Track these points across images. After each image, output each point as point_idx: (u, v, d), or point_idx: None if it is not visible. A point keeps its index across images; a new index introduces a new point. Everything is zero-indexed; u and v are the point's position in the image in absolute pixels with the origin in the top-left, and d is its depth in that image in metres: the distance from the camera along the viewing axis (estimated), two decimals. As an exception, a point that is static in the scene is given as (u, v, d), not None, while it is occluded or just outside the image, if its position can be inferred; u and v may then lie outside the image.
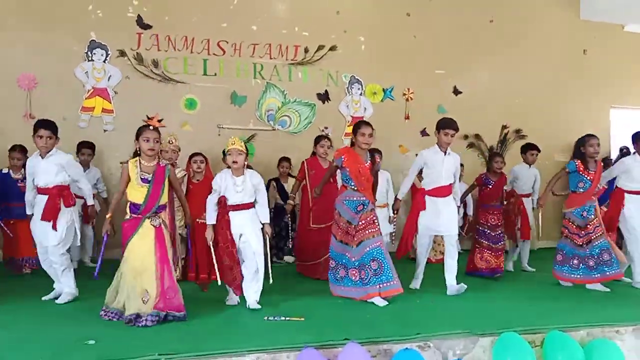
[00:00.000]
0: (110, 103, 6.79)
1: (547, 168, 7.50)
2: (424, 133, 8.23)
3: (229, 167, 4.11)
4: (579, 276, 4.91)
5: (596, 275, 4.82)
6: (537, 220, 6.12)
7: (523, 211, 6.01)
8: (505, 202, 6.04)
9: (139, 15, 6.93)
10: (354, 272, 4.20)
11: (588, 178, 4.87)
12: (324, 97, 7.78)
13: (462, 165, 6.99)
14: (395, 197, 4.99)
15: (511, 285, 5.19)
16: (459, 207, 5.92)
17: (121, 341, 3.08)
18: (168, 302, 3.52)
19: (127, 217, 3.66)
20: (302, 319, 3.60)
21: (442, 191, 4.68)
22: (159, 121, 6.99)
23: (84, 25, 6.73)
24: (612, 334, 3.50)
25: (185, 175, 5.27)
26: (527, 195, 6.11)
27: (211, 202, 4.05)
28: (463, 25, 8.43)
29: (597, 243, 4.86)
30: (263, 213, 4.14)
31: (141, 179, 3.61)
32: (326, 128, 7.71)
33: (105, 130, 6.76)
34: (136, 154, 3.73)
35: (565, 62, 9.03)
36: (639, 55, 9.46)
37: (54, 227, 4.11)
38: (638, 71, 9.41)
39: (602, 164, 5.05)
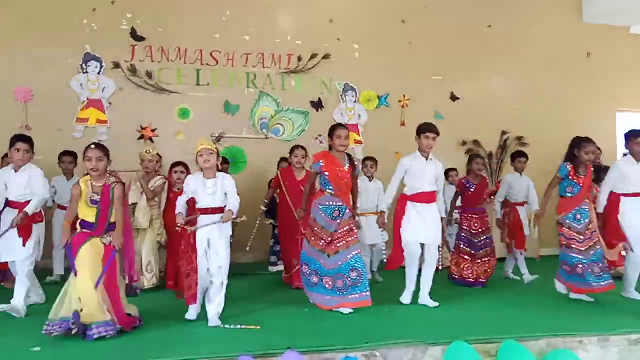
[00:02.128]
0: (105, 114, 6.96)
1: (551, 175, 7.32)
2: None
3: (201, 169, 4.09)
4: (586, 285, 4.57)
5: (603, 283, 4.55)
6: (536, 229, 5.94)
7: (517, 220, 5.83)
8: (502, 213, 5.96)
9: (132, 28, 7.10)
10: (328, 280, 4.15)
11: (578, 183, 4.66)
12: (318, 105, 7.80)
13: (456, 170, 7.03)
14: (380, 210, 4.74)
15: (487, 294, 5.07)
16: (450, 218, 5.88)
17: (66, 350, 3.12)
18: (114, 314, 3.51)
19: (78, 231, 3.64)
20: (258, 327, 3.59)
21: (425, 197, 4.48)
22: (153, 131, 7.14)
23: (79, 39, 6.92)
24: (574, 345, 3.39)
25: (165, 183, 5.34)
26: (522, 204, 5.93)
27: (181, 201, 3.97)
28: (460, 31, 8.35)
29: (598, 248, 4.63)
30: (233, 205, 3.93)
31: (91, 200, 3.62)
32: (320, 136, 7.71)
33: (100, 141, 6.85)
34: (86, 173, 3.75)
35: (568, 66, 8.84)
36: (644, 58, 9.21)
37: (24, 244, 4.15)
38: (643, 73, 9.17)
39: (592, 168, 4.85)
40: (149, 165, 5.30)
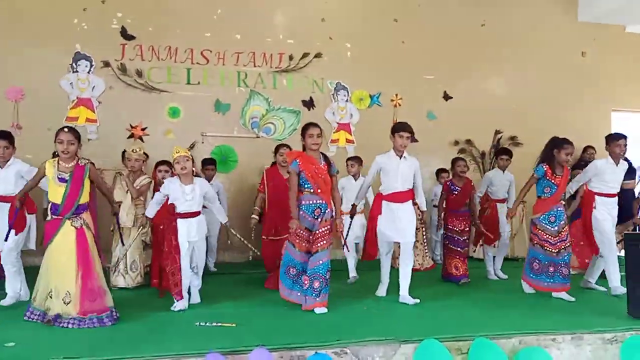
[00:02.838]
0: (94, 113, 6.97)
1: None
2: (412, 139, 8.10)
3: (175, 175, 4.22)
4: (550, 284, 4.72)
5: (568, 284, 4.69)
6: (509, 228, 5.95)
7: (494, 216, 5.83)
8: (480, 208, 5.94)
9: (122, 26, 7.12)
10: (306, 279, 4.14)
11: (554, 183, 4.73)
12: (309, 104, 7.79)
13: (447, 171, 7.01)
14: (353, 203, 4.95)
15: (464, 292, 5.07)
16: (438, 221, 5.90)
17: (39, 343, 3.14)
18: (89, 305, 3.58)
19: (49, 218, 3.75)
20: (234, 324, 3.60)
21: (399, 197, 4.57)
22: (143, 129, 7.15)
23: (69, 38, 6.94)
24: (548, 343, 3.38)
25: (151, 182, 5.36)
26: (502, 201, 5.94)
27: (157, 198, 4.28)
28: (453, 29, 8.32)
29: (569, 251, 4.77)
30: (221, 214, 4.53)
31: (58, 178, 3.68)
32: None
33: (89, 140, 6.93)
34: (55, 154, 3.83)
35: (563, 66, 8.79)
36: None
37: (17, 233, 4.23)
38: (639, 72, 9.10)
39: (568, 168, 4.88)
40: (135, 164, 5.31)
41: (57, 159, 3.80)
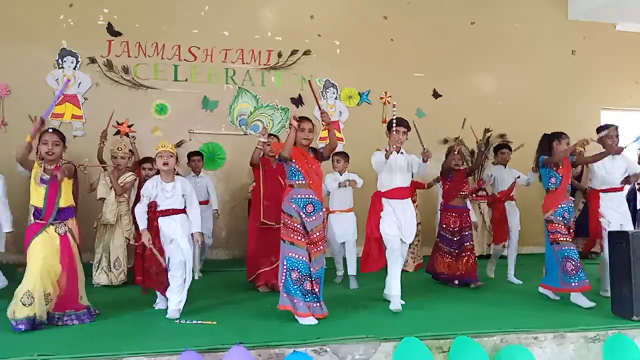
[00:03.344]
0: (80, 109, 6.92)
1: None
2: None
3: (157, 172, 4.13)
4: (587, 281, 4.30)
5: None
6: (520, 226, 5.73)
7: (502, 214, 5.62)
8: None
9: (109, 23, 7.06)
10: (317, 285, 3.82)
11: (558, 173, 4.54)
12: (298, 101, 7.75)
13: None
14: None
15: (448, 291, 5.05)
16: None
17: (14, 340, 3.10)
18: (65, 303, 3.55)
19: (31, 222, 3.66)
20: (215, 322, 3.56)
21: (399, 193, 4.31)
22: (129, 126, 7.09)
23: (55, 34, 6.89)
24: (529, 341, 3.36)
25: (136, 179, 5.31)
26: (511, 199, 5.71)
27: (140, 209, 4.00)
28: (443, 27, 8.31)
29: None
30: (195, 220, 4.06)
31: (41, 179, 3.61)
32: (300, 132, 7.67)
33: (75, 136, 6.87)
34: (41, 157, 3.74)
35: (552, 64, 8.80)
36: (631, 55, 9.17)
37: None
38: (630, 71, 9.12)
39: (571, 161, 4.67)
40: (120, 161, 5.26)
41: (42, 161, 3.70)
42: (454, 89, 8.31)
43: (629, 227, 4.71)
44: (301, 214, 3.84)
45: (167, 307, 3.97)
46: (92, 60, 6.98)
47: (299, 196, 3.89)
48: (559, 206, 4.50)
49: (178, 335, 3.25)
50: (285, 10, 7.79)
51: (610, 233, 4.08)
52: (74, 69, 6.91)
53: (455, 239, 5.36)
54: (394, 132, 4.31)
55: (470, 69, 8.38)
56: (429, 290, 5.03)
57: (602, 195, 4.80)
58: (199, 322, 3.58)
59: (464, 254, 5.30)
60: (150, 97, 7.18)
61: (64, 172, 3.64)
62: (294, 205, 3.86)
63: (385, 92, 8.09)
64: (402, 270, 6.06)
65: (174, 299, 3.87)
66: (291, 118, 3.98)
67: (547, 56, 8.75)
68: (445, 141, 8.30)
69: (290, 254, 3.77)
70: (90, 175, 5.42)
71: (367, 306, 4.24)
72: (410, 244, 5.06)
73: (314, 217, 3.88)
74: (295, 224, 3.82)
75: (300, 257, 3.76)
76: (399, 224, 4.26)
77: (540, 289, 4.68)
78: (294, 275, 3.72)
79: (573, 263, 4.28)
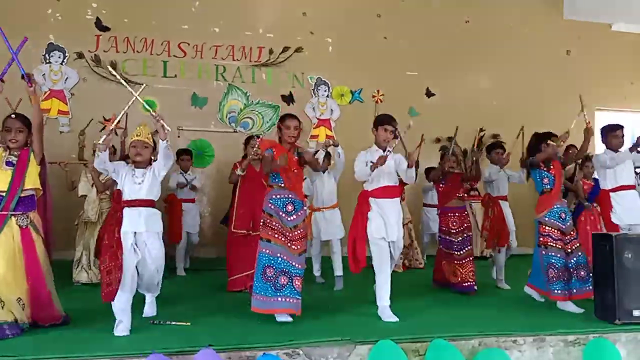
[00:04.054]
0: (67, 105, 6.85)
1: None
2: (394, 136, 8.04)
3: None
4: (574, 291, 4.18)
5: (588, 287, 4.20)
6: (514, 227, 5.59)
7: (500, 216, 5.43)
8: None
9: (97, 17, 6.99)
10: (297, 280, 3.70)
11: (550, 173, 4.43)
12: (289, 99, 7.69)
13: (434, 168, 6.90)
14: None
15: (430, 293, 4.96)
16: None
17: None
18: (42, 312, 3.38)
19: None
20: (188, 323, 3.49)
21: (386, 192, 4.09)
22: (117, 123, 6.99)
23: (43, 29, 6.81)
24: (508, 344, 3.29)
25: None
26: (505, 198, 5.59)
27: (101, 158, 3.55)
28: (437, 25, 8.25)
29: (579, 254, 4.27)
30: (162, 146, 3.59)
31: (6, 162, 3.42)
32: (290, 130, 7.60)
33: (61, 132, 6.81)
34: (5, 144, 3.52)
35: (547, 64, 8.73)
36: (627, 55, 9.12)
37: None
38: (625, 72, 9.07)
39: (560, 162, 4.58)
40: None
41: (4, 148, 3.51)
42: (448, 88, 8.26)
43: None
44: (280, 213, 3.79)
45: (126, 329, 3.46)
46: (80, 56, 6.91)
47: (278, 196, 3.84)
48: (554, 206, 4.36)
49: (148, 337, 3.17)
50: (277, 7, 7.73)
51: (594, 235, 4.01)
52: (61, 64, 6.84)
53: (457, 240, 5.08)
54: (382, 131, 4.13)
55: (464, 68, 8.31)
56: (413, 292, 4.95)
57: (613, 195, 4.68)
58: (173, 323, 3.51)
59: (467, 258, 5.02)
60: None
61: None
62: (272, 206, 3.82)
63: (378, 91, 8.03)
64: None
65: (147, 301, 3.75)
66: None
67: (542, 56, 8.68)
68: (438, 140, 8.23)
69: (266, 250, 3.71)
70: (71, 172, 5.35)
71: (347, 308, 4.17)
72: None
73: (294, 216, 3.82)
74: (274, 223, 3.77)
75: (277, 255, 3.69)
76: (386, 226, 4.04)
77: (526, 289, 4.60)
78: (269, 272, 3.66)
79: (555, 271, 4.17)
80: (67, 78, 6.84)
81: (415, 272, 6.40)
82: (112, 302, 3.36)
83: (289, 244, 3.72)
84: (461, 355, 3.06)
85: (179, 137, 7.19)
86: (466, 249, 5.08)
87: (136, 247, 3.49)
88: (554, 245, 4.24)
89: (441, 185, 5.35)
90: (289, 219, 3.79)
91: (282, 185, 3.86)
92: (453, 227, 5.13)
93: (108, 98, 6.96)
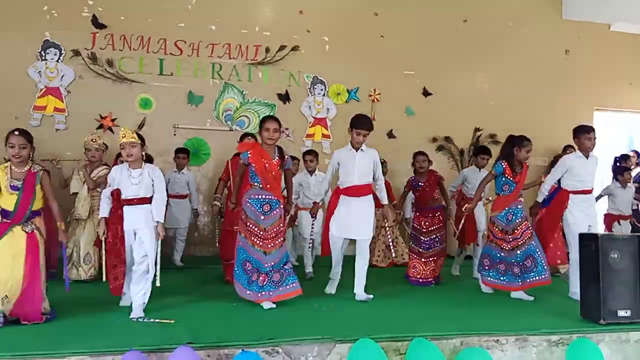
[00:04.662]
0: (63, 102, 6.87)
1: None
2: (390, 135, 8.06)
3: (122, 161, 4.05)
4: (504, 282, 4.66)
5: (519, 283, 4.56)
6: (485, 227, 5.81)
7: (471, 216, 5.58)
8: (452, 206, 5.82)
9: (94, 15, 7.00)
10: (263, 277, 4.00)
11: (513, 181, 4.64)
12: (285, 97, 7.69)
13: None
14: (314, 201, 4.81)
15: (418, 291, 4.98)
16: (399, 214, 5.80)
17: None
18: (22, 310, 3.44)
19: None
20: (172, 321, 3.50)
21: (356, 191, 4.40)
22: (113, 120, 7.05)
23: (38, 26, 6.83)
24: (491, 344, 3.29)
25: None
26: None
27: (105, 195, 3.93)
28: (434, 24, 8.22)
29: (523, 249, 4.60)
30: (158, 211, 3.89)
31: (11, 186, 3.52)
32: (287, 129, 7.61)
33: (57, 130, 6.84)
34: (8, 159, 3.63)
35: (545, 64, 8.69)
36: (626, 56, 9.06)
37: None
38: (624, 72, 9.02)
39: (527, 165, 4.77)
40: (95, 154, 5.20)
41: (9, 164, 3.61)
42: (445, 87, 8.23)
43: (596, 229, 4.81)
44: (257, 213, 4.04)
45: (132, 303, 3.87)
46: (76, 53, 6.93)
47: (256, 197, 4.09)
48: (506, 209, 4.64)
49: (129, 334, 3.18)
50: (273, 5, 7.73)
51: (581, 235, 3.99)
52: (57, 61, 6.85)
53: (426, 239, 5.31)
54: (355, 134, 4.39)
55: (461, 68, 8.29)
56: (397, 290, 4.97)
57: (572, 197, 4.74)
58: (157, 320, 3.53)
59: (433, 258, 5.27)
60: (134, 91, 7.13)
61: None
62: (250, 206, 4.07)
63: (374, 90, 8.01)
64: (374, 266, 6.21)
65: (139, 293, 3.78)
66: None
67: (540, 56, 8.64)
68: (435, 140, 8.23)
69: (244, 246, 4.05)
70: (63, 170, 5.38)
71: (333, 306, 4.16)
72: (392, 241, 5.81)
73: (270, 215, 4.07)
74: (249, 223, 4.04)
75: (252, 255, 4.02)
76: (352, 222, 4.38)
77: (513, 294, 4.66)
78: (247, 265, 4.02)
79: (490, 261, 4.72)
80: (63, 75, 6.85)
81: (401, 268, 6.41)
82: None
83: (262, 244, 4.02)
84: (442, 355, 3.06)
85: (174, 135, 7.22)
86: (434, 248, 5.29)
87: (133, 242, 3.89)
88: (493, 241, 4.73)
89: (418, 190, 5.45)
90: (264, 218, 4.06)
91: (260, 186, 4.09)
92: (424, 227, 5.33)
93: (104, 95, 7.03)
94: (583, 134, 4.76)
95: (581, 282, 3.89)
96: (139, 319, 3.55)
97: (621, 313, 3.70)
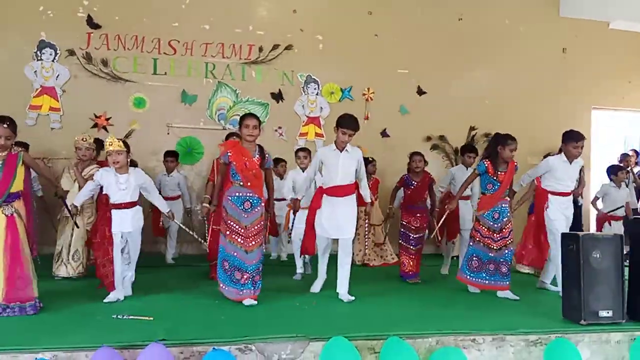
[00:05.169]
0: (58, 101, 6.93)
1: (520, 172, 7.18)
2: (384, 134, 8.05)
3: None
4: (492, 282, 4.65)
5: (506, 282, 4.62)
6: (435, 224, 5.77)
7: (455, 212, 5.49)
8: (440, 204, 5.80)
9: (89, 15, 7.05)
10: (247, 276, 4.04)
11: (497, 180, 4.62)
12: (278, 96, 7.70)
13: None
14: (295, 198, 4.82)
15: (401, 290, 4.98)
16: (391, 208, 5.81)
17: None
18: (14, 293, 3.55)
19: None
20: (151, 318, 3.52)
21: (339, 191, 4.38)
22: (107, 119, 7.09)
23: (34, 25, 6.89)
24: (467, 343, 3.29)
25: (101, 171, 5.30)
26: (465, 198, 5.68)
27: (88, 187, 4.27)
28: (429, 23, 8.20)
29: (511, 248, 4.68)
30: (161, 203, 4.47)
31: None
32: (280, 128, 7.65)
33: (52, 129, 6.89)
34: None
35: (542, 62, 8.64)
36: (625, 54, 8.99)
37: None
38: (623, 70, 8.95)
39: (515, 164, 4.75)
40: (85, 153, 5.24)
41: None
42: (440, 86, 8.20)
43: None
44: (238, 211, 4.08)
45: (120, 299, 4.08)
46: (71, 53, 6.98)
47: (237, 194, 4.12)
48: (492, 208, 4.64)
49: (105, 330, 3.21)
50: (267, 5, 7.74)
51: (563, 235, 3.98)
52: (53, 60, 6.91)
53: (415, 236, 5.39)
54: (341, 134, 4.38)
55: (456, 66, 8.25)
56: (381, 288, 4.97)
57: (551, 197, 4.76)
58: (135, 317, 3.55)
59: (415, 254, 5.39)
60: (128, 90, 7.17)
61: None
62: (231, 204, 4.10)
63: (368, 89, 8.01)
64: (366, 265, 6.20)
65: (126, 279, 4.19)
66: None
67: (537, 54, 8.59)
68: (429, 138, 8.21)
69: (224, 245, 4.10)
70: (53, 169, 5.42)
71: (312, 305, 4.16)
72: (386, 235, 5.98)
73: (251, 213, 4.10)
74: (230, 221, 4.08)
75: (232, 253, 4.06)
76: (335, 222, 4.38)
77: (499, 293, 4.66)
78: (225, 265, 4.08)
79: (478, 262, 4.66)
80: (58, 75, 6.91)
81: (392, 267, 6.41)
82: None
83: (243, 242, 4.05)
84: (416, 354, 3.06)
85: (168, 134, 7.26)
86: (419, 246, 5.43)
87: (123, 242, 4.20)
88: (480, 240, 4.67)
89: (409, 189, 5.47)
90: (245, 216, 4.08)
91: (241, 184, 4.12)
92: (414, 225, 5.39)
93: (99, 95, 7.07)
94: (570, 142, 4.73)
95: (563, 282, 3.88)
96: (119, 316, 3.58)
97: (602, 313, 3.68)
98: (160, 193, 6.04)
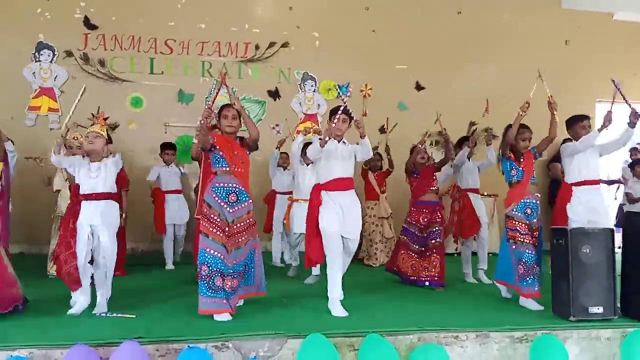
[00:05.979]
0: (57, 102, 6.99)
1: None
2: (382, 130, 7.97)
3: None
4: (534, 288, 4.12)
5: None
6: (487, 219, 5.53)
7: (468, 207, 5.38)
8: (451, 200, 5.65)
9: (86, 16, 7.11)
10: (229, 280, 3.58)
11: (519, 166, 4.36)
12: (275, 94, 7.68)
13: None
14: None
15: (389, 288, 4.91)
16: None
17: None
18: (9, 294, 3.51)
19: None
20: (134, 316, 3.52)
21: (340, 184, 3.94)
22: (105, 119, 7.08)
23: (32, 27, 6.97)
24: (449, 340, 3.23)
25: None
26: (474, 190, 5.52)
27: (63, 157, 3.87)
28: (428, 17, 8.14)
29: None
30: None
31: None
32: (277, 125, 7.62)
33: (51, 129, 6.95)
34: None
35: (544, 55, 8.46)
36: (629, 46, 8.82)
37: None
38: (628, 63, 8.78)
39: (532, 155, 4.47)
40: (76, 151, 5.24)
41: None
42: (438, 81, 8.12)
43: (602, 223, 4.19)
44: (222, 204, 3.64)
45: (83, 307, 3.69)
46: (69, 54, 7.04)
47: (221, 185, 3.68)
48: (521, 201, 4.26)
49: (83, 328, 3.21)
50: (263, 2, 7.73)
51: (553, 229, 3.89)
52: (51, 62, 6.98)
53: (422, 235, 5.08)
54: (335, 121, 4.03)
55: (455, 61, 8.16)
56: (370, 286, 4.90)
57: (575, 189, 4.38)
58: (119, 315, 3.55)
59: (428, 253, 4.99)
60: (125, 90, 7.21)
61: None
62: (214, 195, 3.65)
63: (366, 85, 7.96)
64: (367, 265, 6.10)
65: (99, 293, 3.73)
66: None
67: (539, 47, 8.45)
68: (428, 135, 8.11)
69: (204, 246, 3.59)
70: (46, 168, 5.45)
71: (300, 302, 4.13)
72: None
73: (236, 208, 3.68)
74: (213, 216, 3.61)
75: (214, 252, 3.55)
76: (341, 219, 3.86)
77: (496, 283, 4.47)
78: (204, 270, 3.53)
79: (525, 267, 4.08)
80: (56, 76, 6.98)
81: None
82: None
83: (225, 239, 3.60)
84: (395, 351, 3.02)
85: (165, 133, 7.28)
86: (430, 243, 5.01)
87: (92, 237, 3.70)
88: (522, 240, 4.15)
89: (414, 177, 5.32)
90: (230, 210, 3.65)
91: (227, 169, 3.69)
92: (422, 222, 5.10)
93: (96, 95, 7.09)
94: (577, 123, 4.54)
95: (553, 278, 3.80)
96: (102, 314, 3.58)
97: (593, 309, 3.60)
98: (159, 187, 6.12)
